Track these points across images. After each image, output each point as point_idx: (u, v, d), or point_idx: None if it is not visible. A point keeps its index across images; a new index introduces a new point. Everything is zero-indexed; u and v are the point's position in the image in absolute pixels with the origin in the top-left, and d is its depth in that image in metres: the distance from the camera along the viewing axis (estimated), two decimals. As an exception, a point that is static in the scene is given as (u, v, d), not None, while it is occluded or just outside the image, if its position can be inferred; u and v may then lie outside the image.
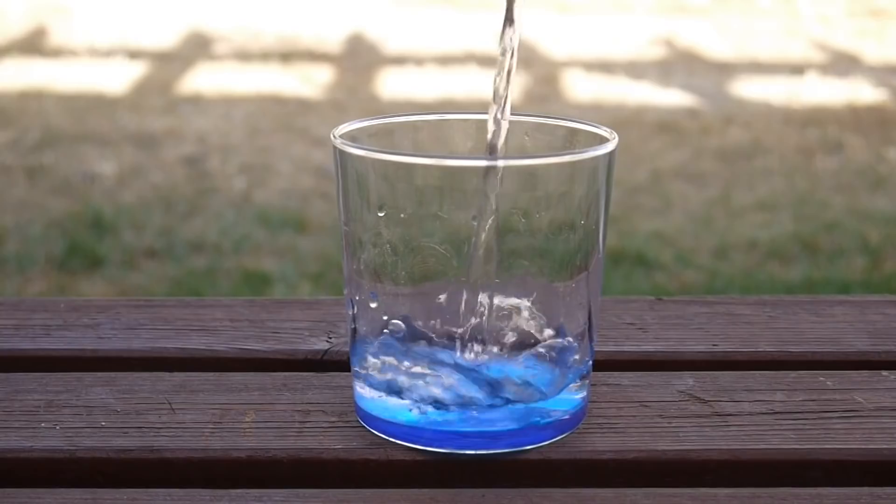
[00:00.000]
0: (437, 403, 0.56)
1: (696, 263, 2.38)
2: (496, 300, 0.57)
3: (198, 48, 4.34)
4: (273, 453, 0.58)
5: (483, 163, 0.57)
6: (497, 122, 0.59)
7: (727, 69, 4.12)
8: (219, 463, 0.57)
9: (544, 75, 3.96)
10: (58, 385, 0.64)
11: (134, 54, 4.18)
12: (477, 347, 0.56)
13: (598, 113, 3.46)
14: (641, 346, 0.70)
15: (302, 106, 3.59)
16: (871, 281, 2.29)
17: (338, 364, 0.67)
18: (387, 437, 0.58)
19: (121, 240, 2.45)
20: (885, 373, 0.66)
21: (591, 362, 0.60)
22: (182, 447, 0.58)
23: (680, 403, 0.62)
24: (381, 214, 0.57)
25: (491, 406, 0.56)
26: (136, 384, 0.64)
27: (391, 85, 3.89)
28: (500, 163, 0.57)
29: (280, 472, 0.57)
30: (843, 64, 4.23)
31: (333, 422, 0.60)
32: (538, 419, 0.57)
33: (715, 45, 4.51)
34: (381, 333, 0.58)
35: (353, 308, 0.59)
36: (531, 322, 0.57)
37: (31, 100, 3.58)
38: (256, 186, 2.84)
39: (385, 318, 0.58)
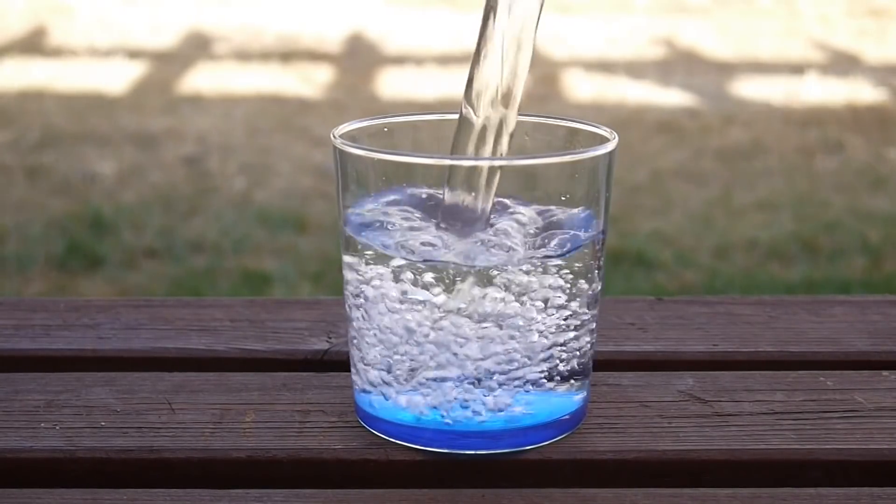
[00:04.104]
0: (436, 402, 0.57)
1: (696, 263, 2.38)
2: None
3: (198, 48, 4.34)
4: (273, 453, 0.58)
5: (483, 163, 0.57)
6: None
7: (727, 69, 4.12)
8: (219, 463, 0.57)
9: (544, 75, 3.96)
10: (58, 385, 0.64)
11: (134, 54, 4.18)
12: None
13: (598, 113, 3.46)
14: (641, 346, 0.70)
15: (302, 106, 3.59)
16: (871, 281, 2.29)
17: (338, 364, 0.67)
18: (387, 437, 0.58)
19: (121, 240, 2.45)
20: (885, 373, 0.66)
21: (591, 363, 0.60)
22: (182, 447, 0.58)
23: (680, 403, 0.62)
24: (381, 214, 0.57)
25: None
26: (136, 384, 0.64)
27: (391, 85, 3.89)
28: (502, 162, 0.57)
29: (280, 472, 0.57)
30: (843, 64, 4.22)
31: (333, 422, 0.60)
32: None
33: (715, 45, 4.51)
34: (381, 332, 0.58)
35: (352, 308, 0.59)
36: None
37: (31, 100, 3.58)
38: (256, 186, 2.83)
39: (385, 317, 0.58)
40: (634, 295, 2.09)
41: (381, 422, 0.58)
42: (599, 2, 5.15)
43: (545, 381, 0.57)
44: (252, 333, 0.71)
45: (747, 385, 0.64)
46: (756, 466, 0.58)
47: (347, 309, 0.59)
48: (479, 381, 0.56)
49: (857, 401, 0.62)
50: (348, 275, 0.59)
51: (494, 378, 0.56)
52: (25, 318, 0.72)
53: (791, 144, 3.23)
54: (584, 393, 0.60)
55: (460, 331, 0.56)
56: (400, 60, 4.17)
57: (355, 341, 0.59)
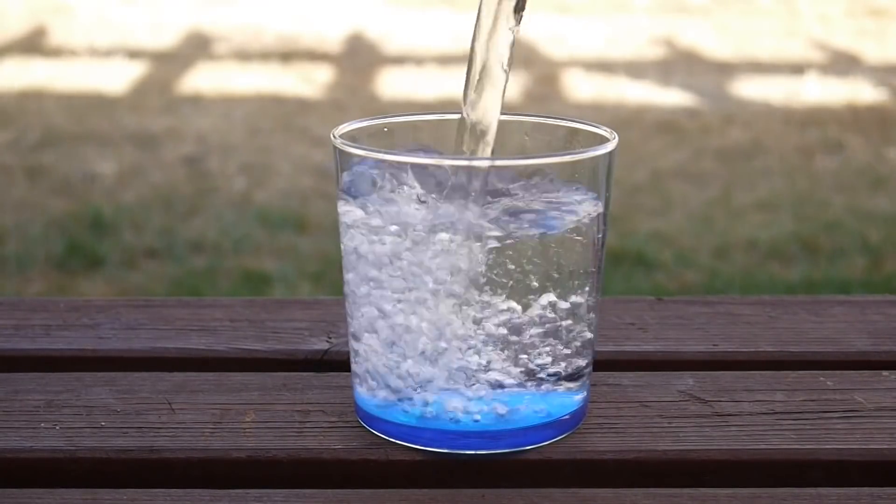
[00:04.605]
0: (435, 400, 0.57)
1: (696, 263, 2.38)
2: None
3: (198, 48, 4.34)
4: (273, 453, 0.58)
5: (483, 163, 0.57)
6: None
7: (727, 69, 4.12)
8: (219, 463, 0.57)
9: (544, 75, 3.96)
10: (58, 385, 0.64)
11: (134, 54, 4.17)
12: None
13: (598, 113, 3.45)
14: (641, 346, 0.70)
15: (302, 106, 3.59)
16: (871, 281, 2.29)
17: (338, 364, 0.67)
18: (387, 437, 0.58)
19: (121, 240, 2.45)
20: (885, 373, 0.66)
21: (591, 363, 0.60)
22: (182, 447, 0.58)
23: (680, 403, 0.62)
24: (381, 214, 0.57)
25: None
26: (136, 384, 0.64)
27: (391, 85, 3.89)
28: (502, 163, 0.57)
29: (280, 472, 0.57)
30: (843, 64, 4.22)
31: (333, 422, 0.60)
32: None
33: (715, 45, 4.51)
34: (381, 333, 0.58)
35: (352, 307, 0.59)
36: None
37: (31, 100, 3.58)
38: (256, 186, 2.83)
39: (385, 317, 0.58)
40: (634, 295, 2.09)
41: (381, 422, 0.58)
42: (599, 2, 5.15)
43: (545, 380, 0.57)
44: (252, 333, 0.71)
45: (747, 385, 0.64)
46: (756, 466, 0.58)
47: (347, 307, 0.59)
48: (479, 380, 0.56)
49: (857, 401, 0.62)
50: (348, 272, 0.59)
51: (494, 378, 0.56)
52: (25, 318, 0.72)
53: (791, 144, 3.23)
54: (584, 393, 0.60)
55: (459, 330, 0.56)
56: (400, 60, 4.17)
57: (355, 340, 0.59)
